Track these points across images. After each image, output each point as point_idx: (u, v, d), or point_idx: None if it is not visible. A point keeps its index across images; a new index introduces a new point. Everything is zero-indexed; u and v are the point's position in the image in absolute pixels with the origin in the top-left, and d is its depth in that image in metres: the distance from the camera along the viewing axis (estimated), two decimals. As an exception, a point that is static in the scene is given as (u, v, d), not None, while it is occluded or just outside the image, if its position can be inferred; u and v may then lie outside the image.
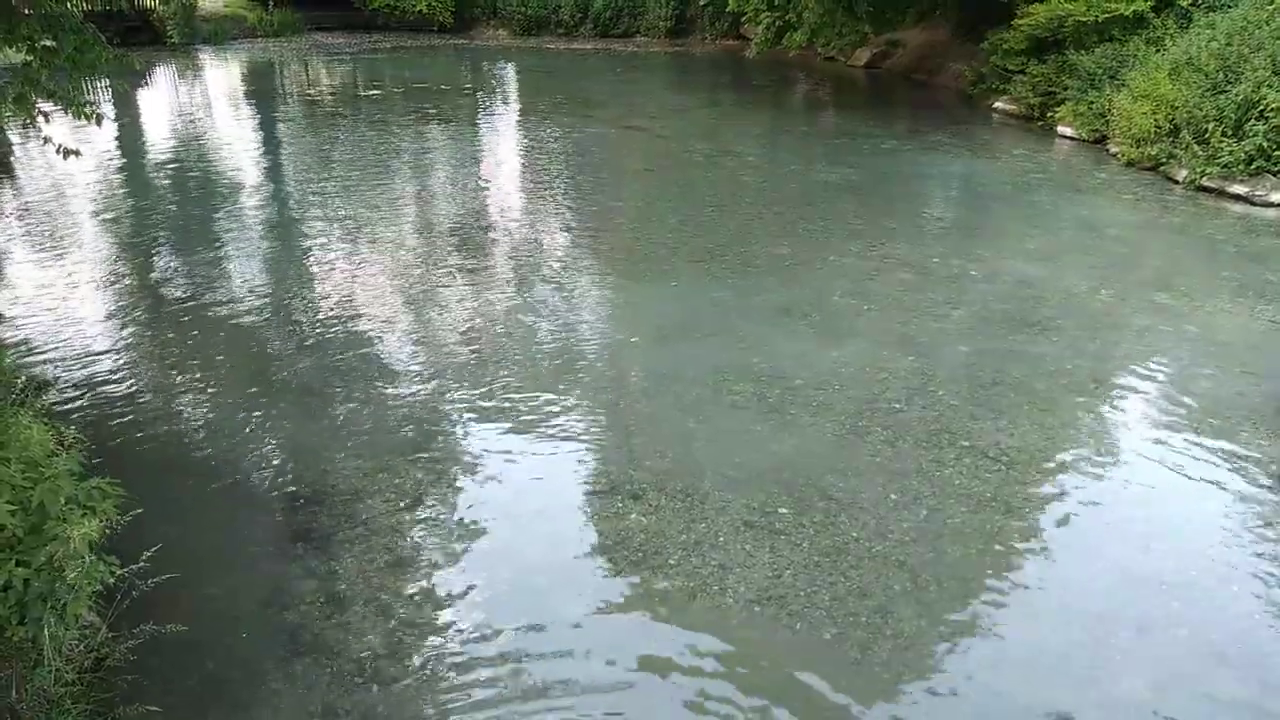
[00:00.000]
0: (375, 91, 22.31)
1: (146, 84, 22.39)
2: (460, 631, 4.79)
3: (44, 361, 7.66)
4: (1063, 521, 5.86)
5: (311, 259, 10.44)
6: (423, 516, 5.74)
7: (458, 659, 4.60)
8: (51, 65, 6.06)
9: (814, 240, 11.19)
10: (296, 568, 5.24)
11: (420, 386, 7.41)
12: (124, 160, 15.39)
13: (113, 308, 8.88)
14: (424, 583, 5.16)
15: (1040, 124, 18.00)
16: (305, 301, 9.12)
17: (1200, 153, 13.32)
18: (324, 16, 32.57)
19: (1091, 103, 16.27)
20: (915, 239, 11.32)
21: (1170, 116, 14.01)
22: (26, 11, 5.93)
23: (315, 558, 5.32)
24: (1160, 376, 7.89)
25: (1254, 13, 14.59)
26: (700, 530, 5.59)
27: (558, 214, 12.39)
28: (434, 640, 4.73)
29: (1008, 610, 5.06)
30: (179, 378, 7.49)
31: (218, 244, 10.93)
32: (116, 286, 9.45)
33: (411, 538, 5.54)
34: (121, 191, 13.25)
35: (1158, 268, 10.51)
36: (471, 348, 8.10)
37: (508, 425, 6.82)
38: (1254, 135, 12.76)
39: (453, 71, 26.50)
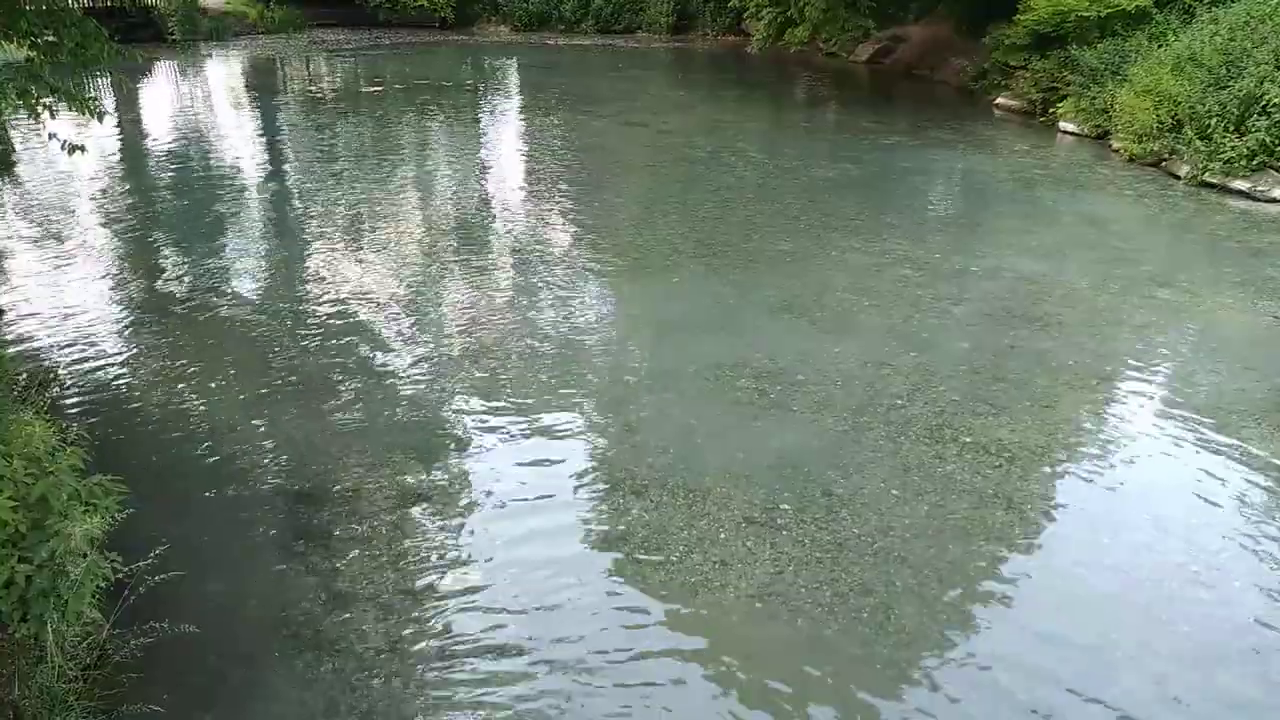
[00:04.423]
0: (376, 88, 22.28)
1: (148, 80, 22.37)
2: (461, 627, 4.79)
3: (47, 358, 7.66)
4: (1064, 517, 5.86)
5: (314, 256, 10.43)
6: (424, 513, 5.75)
7: (459, 655, 4.61)
8: (53, 60, 6.06)
9: (815, 236, 11.17)
10: (299, 565, 5.25)
11: (422, 383, 7.41)
12: (126, 156, 15.38)
13: (115, 304, 8.89)
14: (425, 579, 5.16)
15: (1042, 119, 17.98)
16: (308, 298, 9.11)
17: (1202, 148, 13.29)
18: (325, 13, 32.50)
19: (1094, 98, 16.25)
20: (916, 235, 11.30)
21: (1172, 112, 13.98)
22: (27, 6, 5.93)
23: (317, 554, 5.32)
24: (1162, 372, 7.88)
25: (1257, 7, 14.56)
26: (702, 526, 5.59)
27: (559, 210, 12.38)
28: (435, 636, 4.74)
29: (1010, 606, 5.06)
30: (182, 374, 7.49)
31: (220, 240, 10.93)
32: (119, 282, 9.45)
33: (413, 534, 5.54)
34: (124, 187, 13.24)
35: (1159, 264, 10.49)
36: (473, 344, 8.10)
37: (509, 421, 6.82)
38: (1256, 131, 12.73)
39: (454, 67, 26.47)
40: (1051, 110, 17.75)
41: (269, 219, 11.98)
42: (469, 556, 5.37)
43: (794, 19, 22.34)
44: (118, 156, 15.21)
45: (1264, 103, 12.77)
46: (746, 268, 10.03)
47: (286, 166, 14.98)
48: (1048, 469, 6.38)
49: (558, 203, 12.76)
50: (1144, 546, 5.56)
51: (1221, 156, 13.00)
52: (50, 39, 6.05)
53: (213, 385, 7.34)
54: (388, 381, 7.45)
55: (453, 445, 6.55)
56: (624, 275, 9.89)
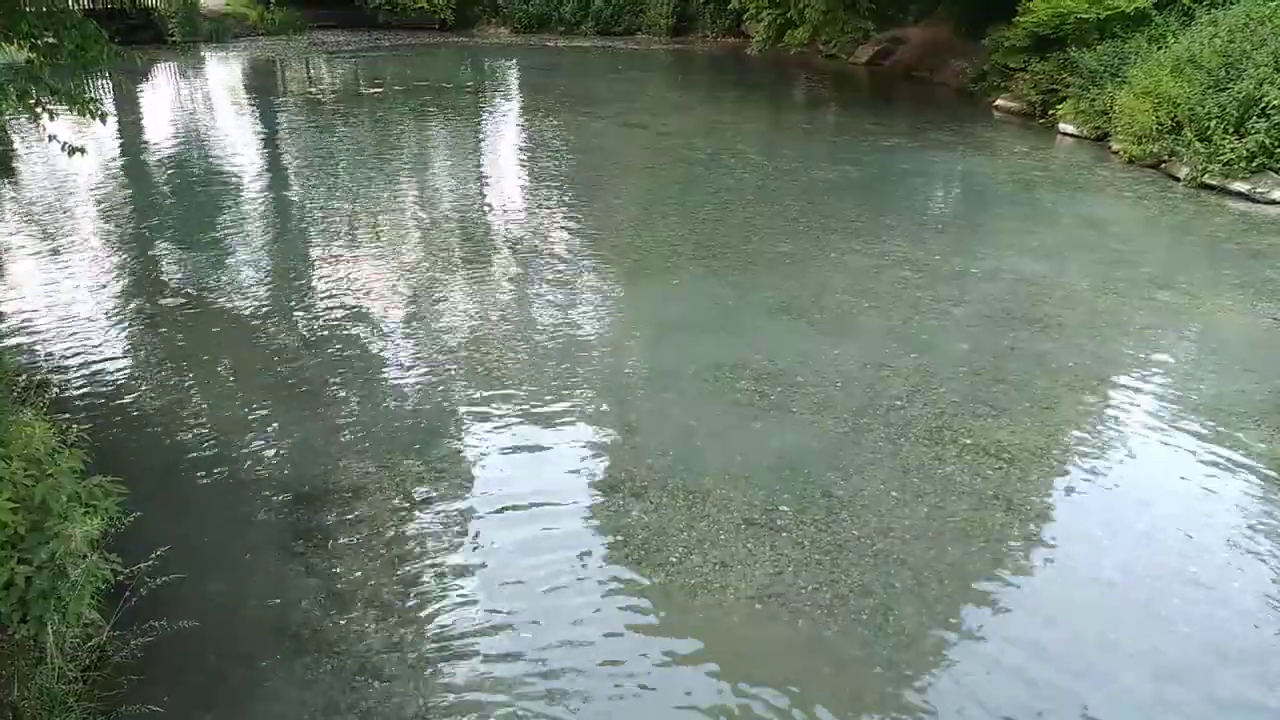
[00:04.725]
0: (376, 89, 22.29)
1: (149, 82, 22.38)
2: (461, 629, 4.79)
3: (47, 359, 7.66)
4: (1064, 519, 5.86)
5: (313, 256, 10.44)
6: (423, 514, 5.74)
7: (458, 656, 4.61)
8: (54, 62, 6.06)
9: (815, 238, 11.18)
10: (298, 565, 5.25)
11: (421, 383, 7.41)
12: (126, 158, 15.39)
13: (115, 305, 8.88)
14: (424, 580, 5.16)
15: (1042, 121, 18.00)
16: (307, 299, 9.12)
17: (1202, 150, 13.30)
18: (325, 15, 32.52)
19: (1093, 100, 16.27)
20: (916, 236, 11.31)
21: (1172, 114, 14.00)
22: (28, 8, 5.93)
23: (317, 555, 5.32)
24: (1161, 374, 7.88)
25: (1256, 9, 14.58)
26: (702, 528, 5.59)
27: (559, 211, 12.38)
28: (434, 637, 4.73)
29: (1009, 607, 5.06)
30: (182, 375, 7.49)
31: (220, 241, 10.93)
32: (119, 284, 9.45)
33: (412, 535, 5.54)
34: (123, 189, 13.25)
35: (1159, 265, 10.50)
36: (473, 345, 8.10)
37: (509, 422, 6.82)
38: (1256, 133, 12.75)
39: (454, 69, 26.48)
40: (1051, 112, 17.77)
41: (269, 220, 11.97)
42: (468, 557, 5.37)
43: (794, 21, 22.35)
44: (118, 158, 15.22)
45: (1263, 105, 12.78)
46: (746, 269, 10.03)
47: (286, 168, 14.99)
48: (1047, 470, 6.38)
49: (557, 204, 12.76)
50: (1143, 547, 5.56)
51: (1221, 158, 13.01)
52: (50, 41, 6.05)
53: (212, 386, 7.34)
54: (387, 382, 7.46)
55: (452, 446, 6.55)
56: (623, 277, 9.90)
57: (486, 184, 14.12)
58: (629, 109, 19.96)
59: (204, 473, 6.14)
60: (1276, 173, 12.70)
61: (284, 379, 7.46)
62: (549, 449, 6.52)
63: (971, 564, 5.36)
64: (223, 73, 25.13)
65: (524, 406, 7.04)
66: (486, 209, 12.57)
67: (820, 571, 5.23)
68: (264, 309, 8.88)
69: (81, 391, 7.18)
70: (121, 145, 16.03)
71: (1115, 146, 15.24)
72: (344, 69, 25.66)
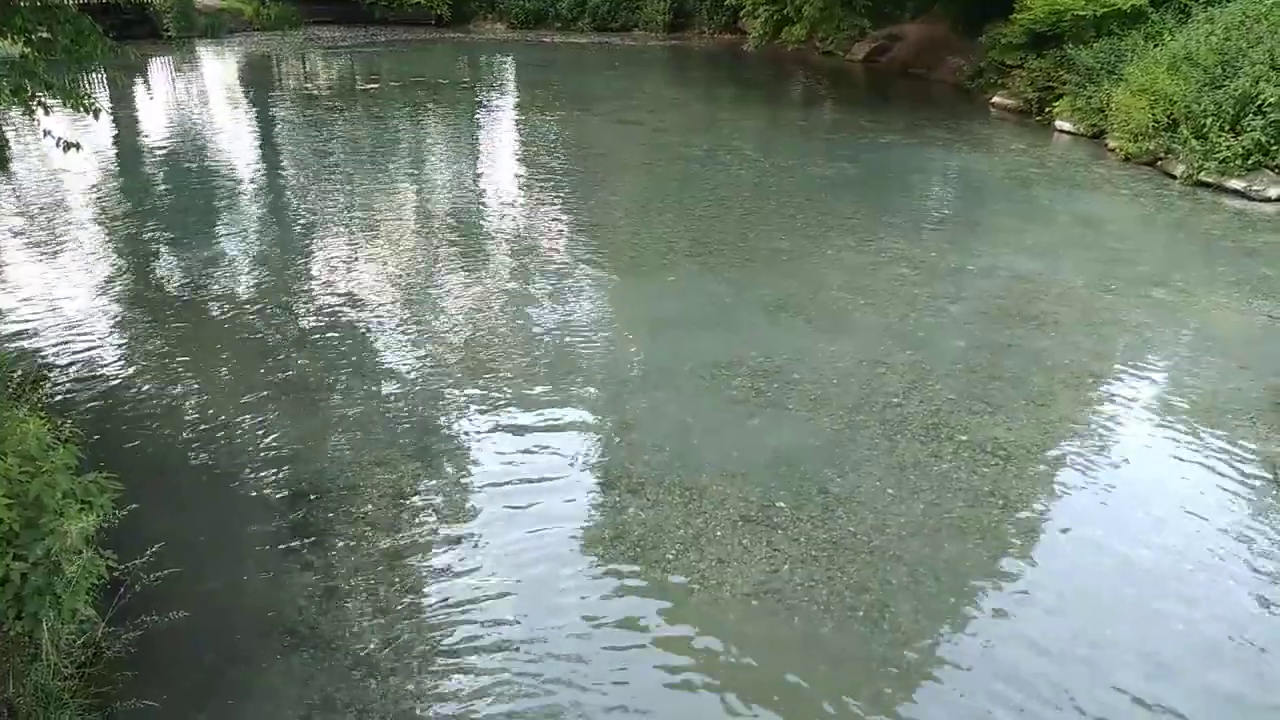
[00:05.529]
0: (372, 85, 22.24)
1: (144, 77, 22.30)
2: (457, 625, 4.79)
3: (42, 355, 7.64)
4: (1060, 515, 5.87)
5: (309, 253, 10.42)
6: (419, 511, 5.74)
7: (454, 652, 4.60)
8: (48, 57, 6.05)
9: (811, 234, 11.17)
10: (294, 562, 5.24)
11: (417, 381, 7.40)
12: (121, 154, 15.35)
13: (110, 302, 8.86)
14: (421, 576, 5.16)
15: (1038, 118, 18.01)
16: (303, 296, 9.10)
17: (1198, 148, 13.31)
18: (321, 10, 32.42)
19: (1089, 97, 16.28)
20: (912, 233, 11.31)
21: (1168, 111, 14.01)
22: (22, 2, 5.92)
23: (313, 552, 5.32)
24: (1157, 371, 7.90)
25: (1252, 7, 14.61)
26: (698, 524, 5.59)
27: (555, 208, 12.37)
28: (430, 633, 4.73)
29: (1005, 604, 5.07)
30: (177, 372, 7.47)
31: (215, 238, 10.90)
32: (114, 280, 9.43)
33: (408, 532, 5.54)
34: (118, 185, 13.20)
35: (1155, 263, 10.51)
36: (469, 342, 8.09)
37: (505, 419, 6.81)
38: (1252, 130, 12.76)
39: (450, 65, 26.42)
40: (1048, 109, 17.79)
41: (264, 216, 11.95)
42: (464, 553, 5.36)
43: (790, 17, 22.37)
44: (113, 154, 15.17)
45: (1259, 102, 12.80)
46: (742, 266, 10.03)
47: (282, 164, 14.95)
48: (1043, 467, 6.39)
49: (553, 201, 12.75)
50: (1139, 544, 5.57)
51: (1217, 156, 13.02)
52: (45, 35, 6.04)
53: (208, 382, 7.32)
54: (383, 379, 7.44)
55: (448, 442, 6.55)
56: (620, 273, 9.88)
57: (482, 181, 14.10)
58: (625, 105, 19.94)
59: (200, 469, 6.13)
60: (1272, 170, 12.73)
61: (280, 374, 7.45)
62: (545, 446, 6.51)
63: (967, 560, 5.37)
64: (218, 68, 25.06)
65: (520, 403, 7.03)
66: (482, 206, 12.55)
67: (816, 568, 5.24)
68: (260, 304, 8.86)
69: (77, 387, 7.16)
70: (117, 141, 15.98)
71: (1112, 144, 15.25)
72: (340, 64, 25.61)
